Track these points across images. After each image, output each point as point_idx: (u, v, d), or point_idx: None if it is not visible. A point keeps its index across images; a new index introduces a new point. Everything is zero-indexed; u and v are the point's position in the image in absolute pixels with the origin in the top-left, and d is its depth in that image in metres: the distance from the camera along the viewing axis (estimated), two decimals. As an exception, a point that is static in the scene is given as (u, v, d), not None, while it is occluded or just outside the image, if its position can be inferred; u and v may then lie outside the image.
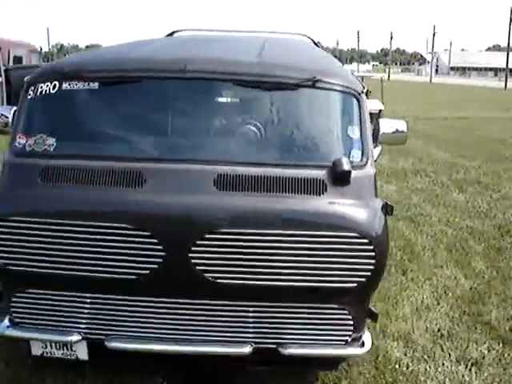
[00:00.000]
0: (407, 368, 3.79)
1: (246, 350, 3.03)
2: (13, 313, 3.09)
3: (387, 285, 4.97)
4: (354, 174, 2.95)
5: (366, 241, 2.88)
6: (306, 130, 3.13)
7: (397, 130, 3.26)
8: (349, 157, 3.01)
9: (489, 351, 4.01)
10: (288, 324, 3.03)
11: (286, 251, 2.87)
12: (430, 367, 3.82)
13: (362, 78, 10.45)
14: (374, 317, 3.18)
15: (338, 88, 3.12)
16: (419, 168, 10.61)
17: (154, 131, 3.18)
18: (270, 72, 3.14)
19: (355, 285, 2.93)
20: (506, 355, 3.95)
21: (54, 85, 3.14)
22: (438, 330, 4.31)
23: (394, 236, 6.28)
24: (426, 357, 3.94)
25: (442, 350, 4.03)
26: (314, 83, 3.04)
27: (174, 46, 4.15)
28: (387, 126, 3.25)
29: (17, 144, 3.10)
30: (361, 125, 3.08)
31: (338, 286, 2.92)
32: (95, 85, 3.12)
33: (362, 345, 3.11)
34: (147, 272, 2.92)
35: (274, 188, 2.91)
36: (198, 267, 2.91)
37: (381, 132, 3.24)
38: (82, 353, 3.18)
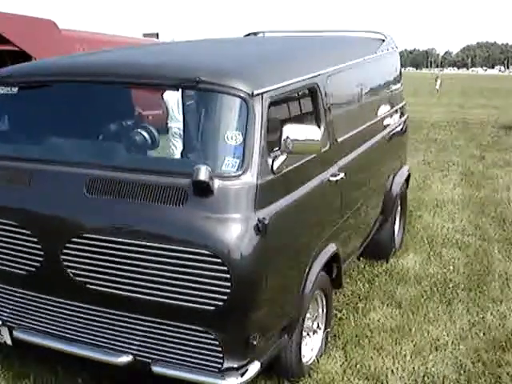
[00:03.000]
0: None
1: (124, 360, 2.92)
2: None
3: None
4: (221, 184, 2.64)
5: (219, 261, 2.59)
6: (183, 134, 2.91)
7: (305, 138, 2.81)
8: (222, 165, 2.71)
9: None
10: (161, 341, 2.85)
11: (142, 263, 2.72)
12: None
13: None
14: (249, 348, 2.79)
15: (221, 90, 2.78)
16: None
17: (46, 133, 3.23)
18: (154, 73, 2.95)
19: (213, 308, 2.65)
20: None
21: None
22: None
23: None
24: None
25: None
26: (195, 84, 2.77)
27: (116, 52, 4.03)
28: (295, 132, 2.80)
29: None
30: (246, 131, 2.73)
31: (195, 306, 2.68)
32: (12, 89, 3.27)
33: (242, 375, 2.79)
34: (33, 268, 3.00)
35: (138, 195, 2.74)
36: (69, 270, 2.90)
37: (283, 138, 2.81)
38: (6, 338, 3.36)
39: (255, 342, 2.76)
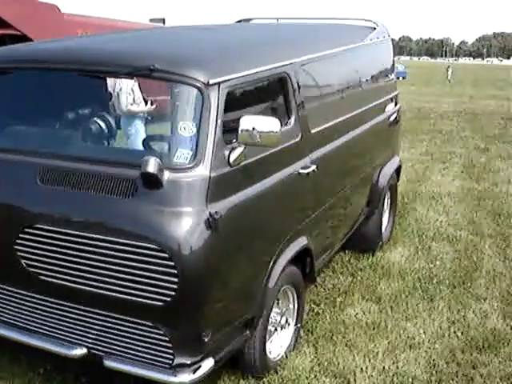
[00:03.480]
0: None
1: (78, 352, 2.86)
2: None
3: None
4: (171, 176, 2.55)
5: (166, 255, 2.50)
6: (136, 124, 2.82)
7: (263, 129, 2.69)
8: (174, 157, 2.62)
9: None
10: (114, 335, 2.78)
11: (92, 255, 2.65)
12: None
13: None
14: (201, 345, 2.71)
15: (175, 78, 2.69)
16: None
17: (10, 121, 3.14)
18: (109, 61, 2.86)
19: (161, 303, 2.57)
20: None
21: None
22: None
23: None
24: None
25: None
26: (149, 72, 2.67)
27: (79, 39, 3.94)
28: (252, 123, 2.68)
29: None
30: (200, 122, 2.63)
31: (144, 301, 2.60)
32: None
33: (194, 372, 2.71)
34: None
35: (89, 186, 2.66)
36: (23, 260, 2.83)
37: (240, 129, 2.70)
38: None
39: (207, 339, 2.68)
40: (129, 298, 2.62)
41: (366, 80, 4.73)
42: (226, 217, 2.65)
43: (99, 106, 3.10)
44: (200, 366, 2.72)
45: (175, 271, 2.51)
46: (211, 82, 2.67)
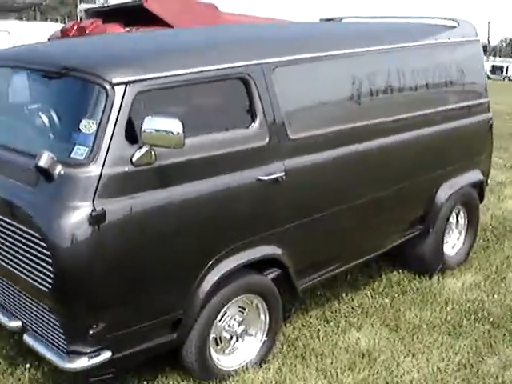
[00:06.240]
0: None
1: (14, 324, 3.14)
2: None
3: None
4: (63, 171, 2.67)
5: (45, 245, 2.65)
6: (53, 119, 2.95)
7: (164, 130, 2.61)
8: (71, 152, 2.71)
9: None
10: (32, 314, 3.02)
11: (5, 236, 2.95)
12: None
13: None
14: (86, 336, 2.76)
15: (83, 77, 2.84)
16: None
17: None
18: (39, 61, 3.14)
19: (46, 290, 2.72)
20: None
21: None
22: None
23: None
24: None
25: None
26: (66, 71, 2.89)
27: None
28: (152, 124, 2.63)
29: None
30: (101, 120, 2.69)
31: (36, 285, 2.78)
32: None
33: (88, 360, 2.79)
34: None
35: (9, 173, 2.94)
36: None
37: (142, 129, 2.65)
38: None
39: (92, 332, 2.75)
40: (28, 280, 2.83)
41: (413, 85, 4.23)
42: (120, 214, 2.70)
43: (32, 101, 3.36)
44: (93, 357, 2.80)
45: (51, 261, 2.65)
46: (115, 81, 2.73)
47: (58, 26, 11.08)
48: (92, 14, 10.15)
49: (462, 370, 3.56)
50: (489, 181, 5.47)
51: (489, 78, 47.78)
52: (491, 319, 4.14)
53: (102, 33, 8.86)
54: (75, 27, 9.48)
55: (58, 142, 2.92)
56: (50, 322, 2.87)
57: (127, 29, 9.03)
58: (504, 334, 3.96)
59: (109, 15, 9.43)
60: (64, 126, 2.95)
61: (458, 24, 4.78)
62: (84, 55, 3.17)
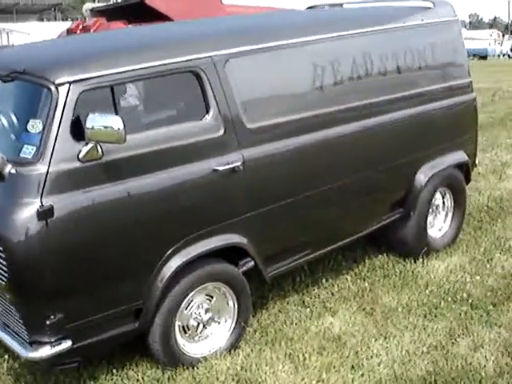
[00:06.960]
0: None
1: None
2: None
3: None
4: (13, 170, 2.79)
5: (-2, 241, 2.76)
6: (6, 121, 3.06)
7: (105, 126, 2.70)
8: (20, 152, 2.83)
9: None
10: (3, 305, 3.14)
11: None
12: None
13: None
14: (44, 326, 2.87)
15: (27, 78, 2.97)
16: None
17: None
18: (4, 65, 3.21)
19: (3, 283, 2.85)
20: None
21: None
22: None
23: None
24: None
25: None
26: (16, 75, 3.00)
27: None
28: (93, 121, 2.72)
29: None
30: (46, 119, 2.80)
31: (-4, 279, 2.91)
32: None
33: (50, 349, 2.90)
34: None
35: None
36: None
37: (86, 127, 2.74)
38: None
39: (49, 322, 2.86)
40: None
41: (382, 69, 4.21)
42: (69, 209, 2.81)
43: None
44: (54, 346, 2.92)
45: (4, 255, 2.78)
46: (58, 81, 2.83)
47: (74, 25, 11.23)
48: (97, 12, 10.27)
49: (432, 352, 3.56)
50: (477, 161, 5.43)
51: (510, 56, 46.41)
52: (470, 300, 4.11)
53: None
54: (80, 26, 9.69)
55: (10, 143, 3.03)
56: (12, 313, 3.00)
57: (131, 26, 9.17)
58: (481, 315, 3.94)
59: (113, 13, 9.58)
60: (15, 126, 3.06)
61: (434, 5, 4.73)
62: (34, 59, 3.27)
